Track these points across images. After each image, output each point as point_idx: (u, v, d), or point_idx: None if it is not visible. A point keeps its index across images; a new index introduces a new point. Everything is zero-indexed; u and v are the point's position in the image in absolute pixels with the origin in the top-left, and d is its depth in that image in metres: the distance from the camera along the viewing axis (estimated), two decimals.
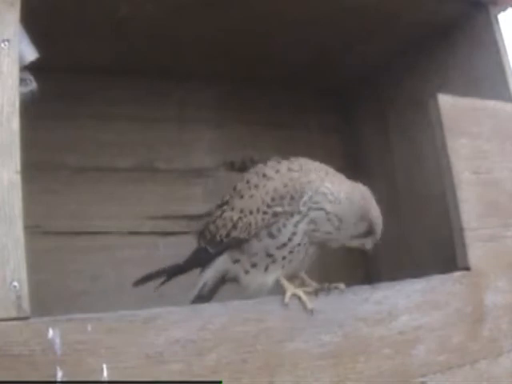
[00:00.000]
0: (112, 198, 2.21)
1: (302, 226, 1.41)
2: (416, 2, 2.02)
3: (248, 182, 1.52)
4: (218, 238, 1.53)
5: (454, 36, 2.17)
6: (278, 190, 1.43)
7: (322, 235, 1.44)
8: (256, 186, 1.48)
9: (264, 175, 1.49)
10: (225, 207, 1.55)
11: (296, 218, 1.41)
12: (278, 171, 1.47)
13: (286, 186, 1.43)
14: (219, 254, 1.54)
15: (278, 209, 1.42)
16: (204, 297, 1.54)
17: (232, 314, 1.27)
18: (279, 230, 1.42)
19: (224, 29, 2.03)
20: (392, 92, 2.48)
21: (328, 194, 1.42)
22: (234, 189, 1.55)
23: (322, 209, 1.41)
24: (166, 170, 2.35)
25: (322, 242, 1.47)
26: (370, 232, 1.45)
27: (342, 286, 1.42)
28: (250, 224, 1.45)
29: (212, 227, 1.56)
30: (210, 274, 1.56)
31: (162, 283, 1.62)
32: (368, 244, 1.48)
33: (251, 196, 1.48)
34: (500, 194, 1.77)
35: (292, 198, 1.41)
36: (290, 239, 1.42)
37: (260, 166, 1.55)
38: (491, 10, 2.05)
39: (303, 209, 1.41)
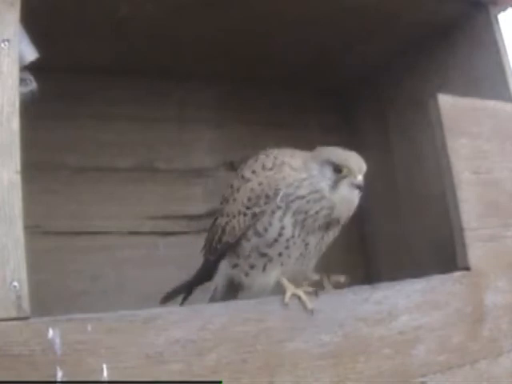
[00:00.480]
0: (112, 198, 2.21)
1: (288, 220, 1.40)
2: (416, 2, 2.02)
3: (232, 186, 1.54)
4: (213, 245, 1.56)
5: (454, 36, 2.17)
6: (254, 189, 1.44)
7: (317, 217, 1.40)
8: (238, 190, 1.50)
9: (243, 177, 1.50)
10: (217, 215, 1.58)
11: (279, 213, 1.40)
12: (254, 171, 1.48)
13: (260, 184, 1.43)
14: (218, 260, 1.56)
15: (256, 209, 1.42)
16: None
17: (232, 314, 1.27)
18: (265, 229, 1.41)
19: (224, 29, 2.03)
20: (392, 92, 2.48)
21: (294, 181, 1.40)
22: (223, 196, 1.58)
23: (297, 197, 1.39)
24: (166, 169, 2.35)
25: (330, 222, 1.42)
26: (339, 168, 1.39)
27: (342, 278, 1.41)
28: (234, 227, 1.47)
29: (209, 235, 1.61)
30: (218, 279, 1.58)
31: (184, 300, 1.67)
32: (355, 181, 1.39)
33: (234, 200, 1.50)
34: (500, 194, 1.77)
35: (267, 196, 1.41)
36: (280, 234, 1.40)
37: (241, 166, 1.56)
38: (491, 10, 2.05)
39: (281, 204, 1.40)
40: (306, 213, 1.39)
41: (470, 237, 1.64)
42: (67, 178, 2.15)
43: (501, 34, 2.04)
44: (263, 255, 1.43)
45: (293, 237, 1.41)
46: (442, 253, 1.85)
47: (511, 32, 2.08)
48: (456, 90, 1.87)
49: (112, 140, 2.25)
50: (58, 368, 1.06)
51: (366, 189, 1.42)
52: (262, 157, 1.50)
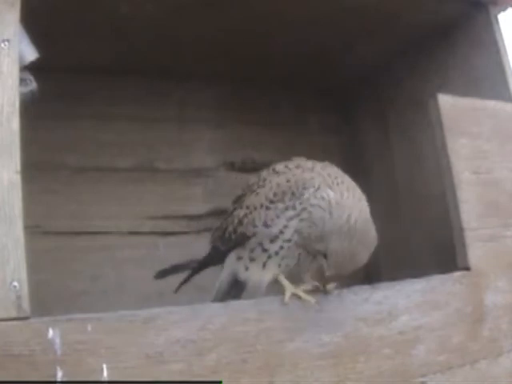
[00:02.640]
0: (112, 198, 2.21)
1: (294, 223, 1.38)
2: (416, 2, 2.02)
3: (259, 176, 1.52)
4: (226, 234, 1.53)
5: (454, 36, 2.17)
6: (281, 185, 1.42)
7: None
8: (263, 185, 1.47)
9: (274, 170, 1.49)
10: (236, 205, 1.55)
11: (290, 212, 1.39)
12: (286, 166, 1.47)
13: (288, 181, 1.42)
14: (229, 251, 1.53)
15: (280, 205, 1.40)
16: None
17: (232, 314, 1.27)
18: (272, 220, 1.40)
19: (224, 29, 2.03)
20: (392, 92, 2.48)
21: (325, 201, 1.36)
22: (248, 184, 1.55)
23: (311, 212, 1.37)
24: (166, 169, 2.35)
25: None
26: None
27: (330, 286, 1.40)
28: (254, 220, 1.44)
29: (223, 224, 1.57)
30: (223, 275, 1.56)
31: (182, 284, 1.65)
32: (325, 264, 1.37)
33: (257, 194, 1.48)
34: (500, 194, 1.77)
35: (293, 193, 1.39)
36: (281, 232, 1.39)
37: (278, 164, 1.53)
38: (491, 10, 2.05)
39: (298, 207, 1.38)
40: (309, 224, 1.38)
41: (470, 237, 1.64)
42: (67, 178, 2.15)
43: (501, 34, 2.04)
44: (264, 250, 1.41)
45: (289, 241, 1.39)
46: (442, 253, 1.84)
47: (511, 32, 2.08)
48: (456, 90, 1.87)
49: (112, 140, 2.25)
50: (58, 368, 1.06)
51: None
52: (302, 160, 1.48)
